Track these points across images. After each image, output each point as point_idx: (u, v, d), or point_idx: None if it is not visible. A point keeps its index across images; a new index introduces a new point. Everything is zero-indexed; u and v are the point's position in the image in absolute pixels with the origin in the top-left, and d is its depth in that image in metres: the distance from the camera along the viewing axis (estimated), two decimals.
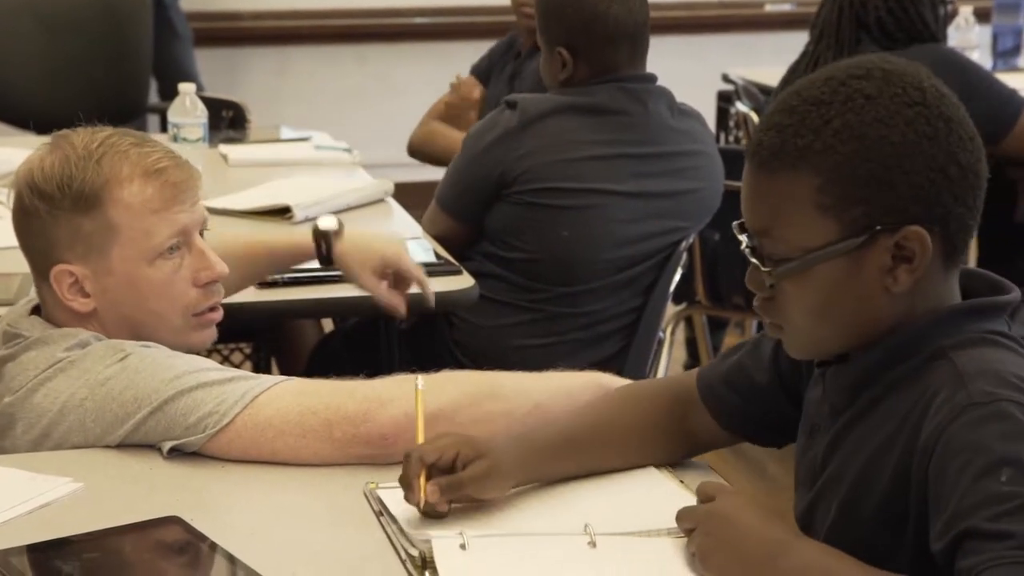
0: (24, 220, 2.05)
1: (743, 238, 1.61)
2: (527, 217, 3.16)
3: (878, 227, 1.53)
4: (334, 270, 2.60)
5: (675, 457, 1.88)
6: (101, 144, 2.03)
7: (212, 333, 2.13)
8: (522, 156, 3.14)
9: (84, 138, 2.04)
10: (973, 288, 1.63)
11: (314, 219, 3.20)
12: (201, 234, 2.10)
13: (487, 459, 1.71)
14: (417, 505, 1.68)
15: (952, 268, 1.59)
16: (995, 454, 1.42)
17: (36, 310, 2.09)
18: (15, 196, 2.05)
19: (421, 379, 1.79)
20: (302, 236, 2.57)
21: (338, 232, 2.56)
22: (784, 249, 1.57)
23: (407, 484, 1.68)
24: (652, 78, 3.23)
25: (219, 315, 2.13)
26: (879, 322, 1.58)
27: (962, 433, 1.46)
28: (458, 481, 1.69)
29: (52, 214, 2.01)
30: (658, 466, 1.87)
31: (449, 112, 4.25)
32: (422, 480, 1.67)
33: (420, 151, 4.32)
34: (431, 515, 1.69)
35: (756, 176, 1.59)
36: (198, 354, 2.04)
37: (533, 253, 3.18)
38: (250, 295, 2.61)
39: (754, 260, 1.59)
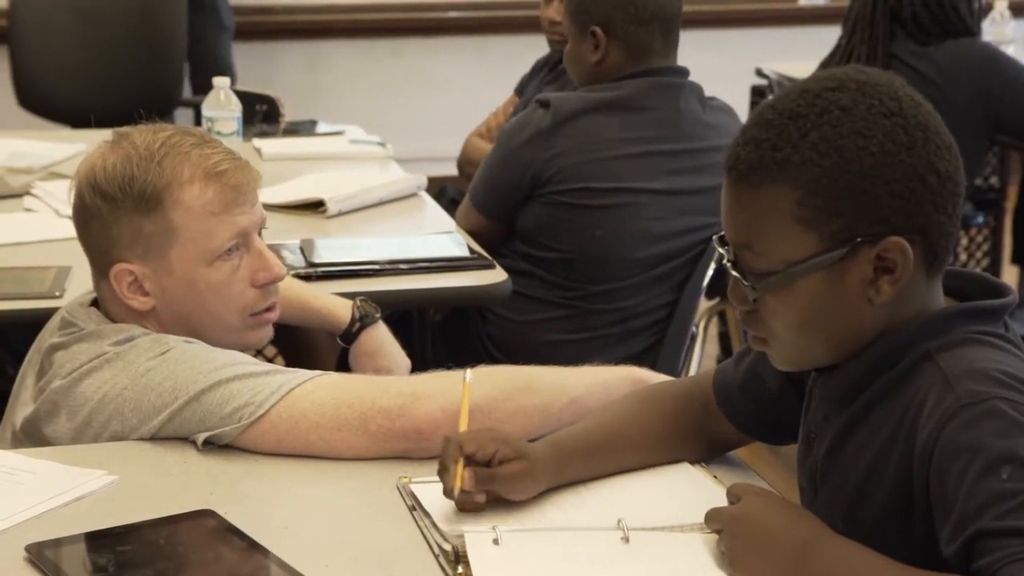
0: (85, 219, 2.06)
1: (723, 251, 1.61)
2: (560, 217, 3.16)
3: (859, 239, 1.53)
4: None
5: (693, 457, 1.88)
6: (163, 144, 2.03)
7: (268, 332, 2.15)
8: (554, 156, 3.13)
9: (146, 137, 2.05)
10: (971, 291, 1.62)
11: (348, 212, 3.24)
12: (260, 234, 2.10)
13: (523, 461, 1.72)
14: (451, 492, 1.68)
15: (935, 276, 1.59)
16: (993, 452, 1.42)
17: (95, 302, 2.10)
18: (75, 194, 2.06)
19: (470, 372, 1.79)
20: (341, 308, 2.54)
21: (375, 322, 2.54)
22: (766, 263, 1.56)
23: (443, 467, 1.69)
24: (684, 72, 3.23)
25: (276, 315, 2.14)
26: (863, 333, 1.58)
27: (957, 435, 1.45)
28: (491, 475, 1.69)
29: (113, 214, 2.02)
30: (692, 462, 1.87)
31: (492, 136, 4.23)
32: (459, 466, 1.68)
33: (462, 167, 4.30)
34: (467, 508, 1.69)
35: (735, 190, 1.59)
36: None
37: (567, 253, 3.17)
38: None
39: (736, 273, 1.59)
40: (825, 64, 4.01)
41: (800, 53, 4.28)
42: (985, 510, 1.40)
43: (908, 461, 1.51)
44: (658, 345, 3.26)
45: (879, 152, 1.52)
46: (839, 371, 1.62)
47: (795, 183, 1.53)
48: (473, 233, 3.15)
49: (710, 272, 3.35)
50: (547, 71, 4.18)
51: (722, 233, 1.62)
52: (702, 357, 3.65)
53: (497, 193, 3.24)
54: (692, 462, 1.87)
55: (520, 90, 4.30)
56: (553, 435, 1.82)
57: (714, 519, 1.63)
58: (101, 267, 2.06)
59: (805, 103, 1.55)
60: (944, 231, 1.56)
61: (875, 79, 1.57)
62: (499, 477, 1.70)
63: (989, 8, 5.20)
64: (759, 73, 5.24)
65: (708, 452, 1.90)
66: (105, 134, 2.10)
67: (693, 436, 1.87)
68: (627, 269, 3.17)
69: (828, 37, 4.23)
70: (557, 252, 3.18)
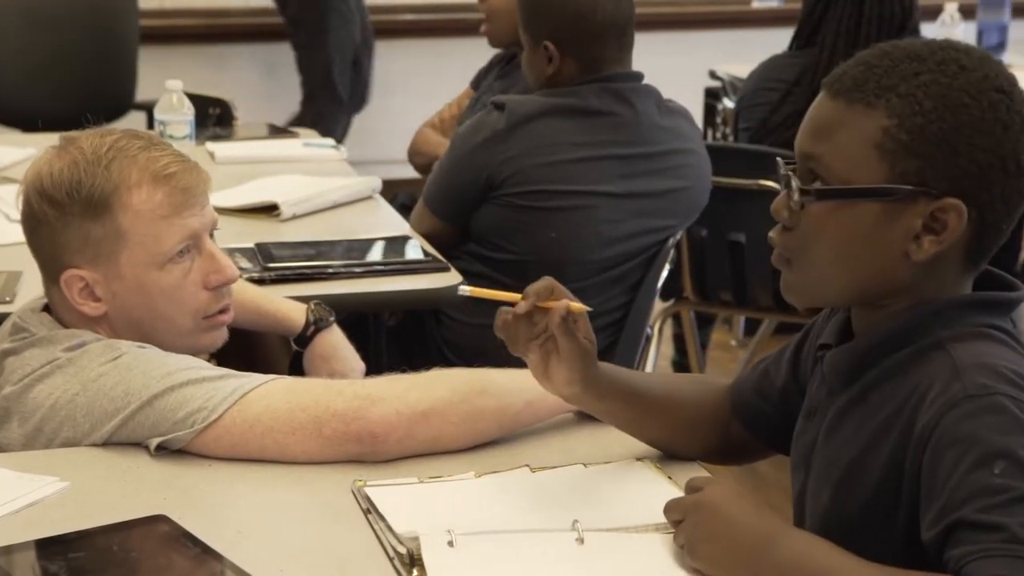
0: (33, 225, 2.05)
1: (783, 163, 1.62)
2: (515, 219, 3.16)
3: (924, 188, 1.54)
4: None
5: (707, 449, 1.90)
6: (110, 148, 2.02)
7: (222, 334, 2.14)
8: (509, 159, 3.13)
9: (93, 142, 2.03)
10: (983, 283, 1.64)
11: (302, 216, 3.23)
12: (211, 236, 2.09)
13: (590, 345, 1.84)
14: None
15: (970, 269, 1.61)
16: (990, 446, 1.43)
17: (47, 307, 2.09)
18: (23, 201, 2.05)
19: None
20: (296, 312, 2.55)
21: (329, 325, 2.54)
22: (828, 177, 1.58)
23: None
24: (639, 76, 3.23)
25: (229, 317, 2.13)
26: (885, 285, 1.60)
27: (957, 424, 1.47)
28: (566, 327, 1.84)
29: (61, 220, 2.01)
30: (641, 459, 1.88)
31: (444, 126, 4.23)
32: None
33: (411, 157, 4.29)
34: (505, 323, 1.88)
35: (830, 102, 1.60)
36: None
37: (521, 254, 3.17)
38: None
39: (795, 182, 1.59)
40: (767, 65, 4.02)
41: (753, 55, 4.29)
42: (970, 500, 1.41)
43: (904, 444, 1.52)
44: (613, 347, 3.26)
45: (978, 117, 1.54)
46: (849, 346, 1.64)
47: (891, 112, 1.55)
48: (428, 235, 3.15)
49: (664, 274, 3.36)
50: (502, 65, 4.18)
51: (789, 156, 1.63)
52: (657, 358, 3.67)
53: (452, 195, 3.24)
54: (642, 459, 1.87)
55: (476, 84, 4.30)
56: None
57: (674, 509, 1.62)
58: (51, 273, 2.05)
59: (928, 50, 1.59)
60: (997, 225, 1.58)
61: (998, 60, 1.61)
62: (569, 335, 1.83)
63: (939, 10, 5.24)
64: (712, 75, 5.26)
65: (724, 454, 1.91)
66: (54, 138, 2.09)
67: (719, 426, 1.88)
68: (582, 271, 3.17)
69: (781, 39, 4.24)
70: (512, 254, 3.18)
